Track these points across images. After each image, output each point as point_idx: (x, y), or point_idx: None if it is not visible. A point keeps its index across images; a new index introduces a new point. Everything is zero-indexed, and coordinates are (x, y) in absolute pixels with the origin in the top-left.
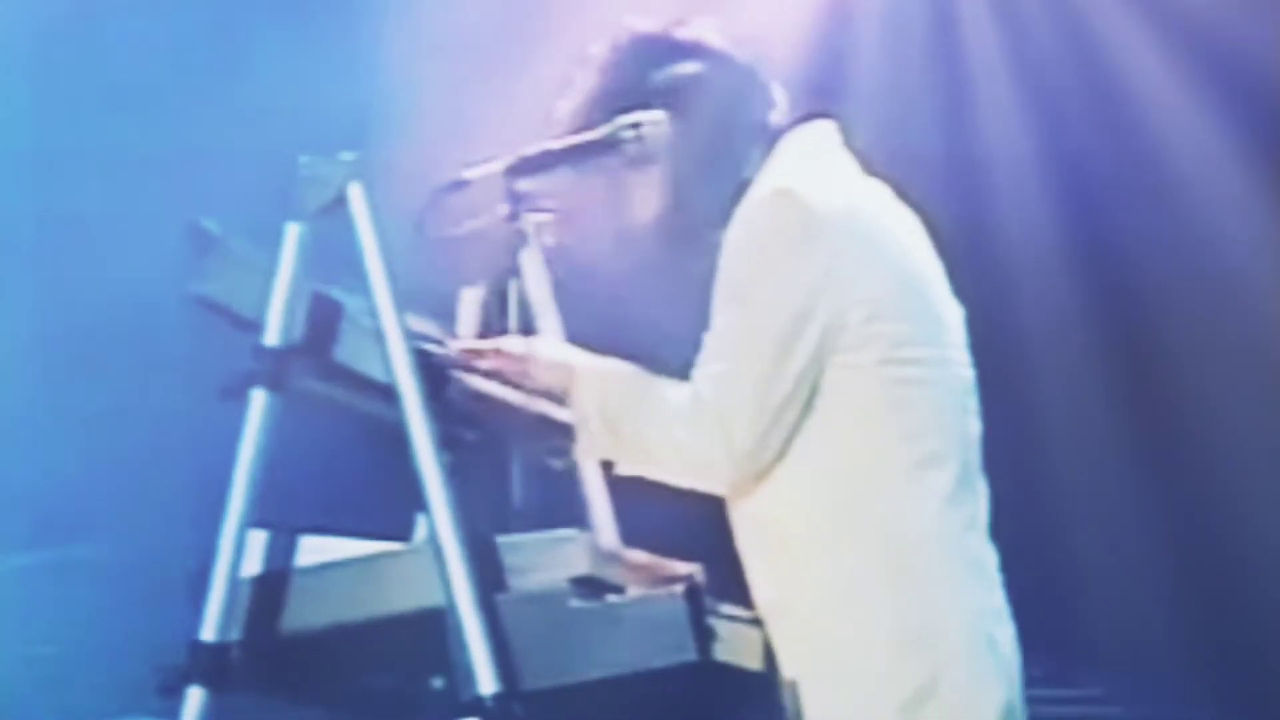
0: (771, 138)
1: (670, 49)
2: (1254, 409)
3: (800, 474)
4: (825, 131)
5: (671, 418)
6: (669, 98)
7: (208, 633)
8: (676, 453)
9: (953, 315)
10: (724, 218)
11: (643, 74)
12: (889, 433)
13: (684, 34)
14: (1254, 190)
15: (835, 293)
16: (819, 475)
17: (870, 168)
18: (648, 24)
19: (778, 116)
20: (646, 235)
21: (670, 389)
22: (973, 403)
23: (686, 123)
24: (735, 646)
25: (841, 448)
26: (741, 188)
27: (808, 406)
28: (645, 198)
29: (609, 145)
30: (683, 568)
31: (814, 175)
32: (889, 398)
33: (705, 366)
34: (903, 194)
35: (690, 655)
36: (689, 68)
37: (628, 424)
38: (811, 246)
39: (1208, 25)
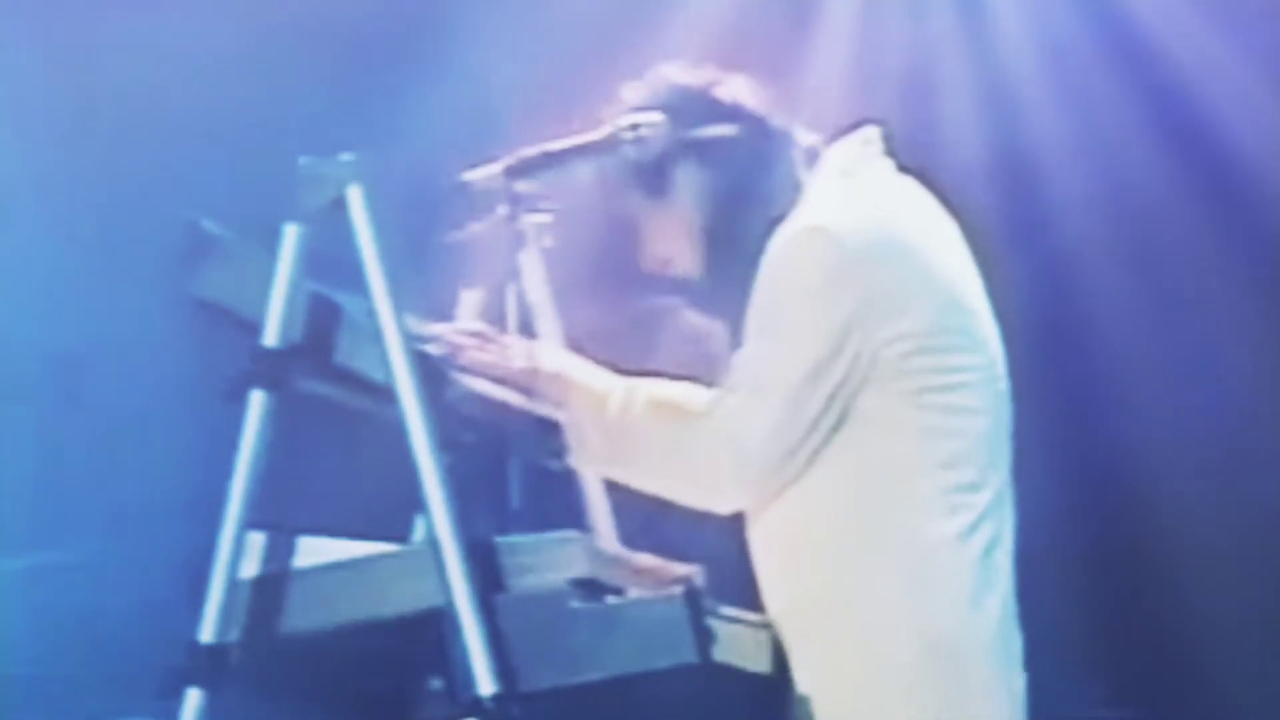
0: (812, 157)
1: (707, 107)
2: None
3: (826, 491)
4: (867, 142)
5: (681, 442)
6: (701, 154)
7: (206, 634)
8: (682, 475)
9: (991, 331)
10: (755, 255)
11: (677, 128)
12: (925, 460)
13: (722, 94)
14: None
15: (868, 330)
16: (845, 494)
17: (908, 169)
18: (686, 77)
19: (810, 165)
20: (676, 268)
21: (677, 410)
22: (1007, 416)
23: (715, 180)
24: (735, 648)
25: (871, 472)
26: (772, 224)
27: (837, 427)
28: (668, 235)
29: (608, 147)
30: (682, 569)
31: (850, 204)
32: (929, 425)
33: (727, 395)
34: (940, 194)
35: (690, 657)
36: (724, 129)
37: (629, 442)
38: (842, 287)
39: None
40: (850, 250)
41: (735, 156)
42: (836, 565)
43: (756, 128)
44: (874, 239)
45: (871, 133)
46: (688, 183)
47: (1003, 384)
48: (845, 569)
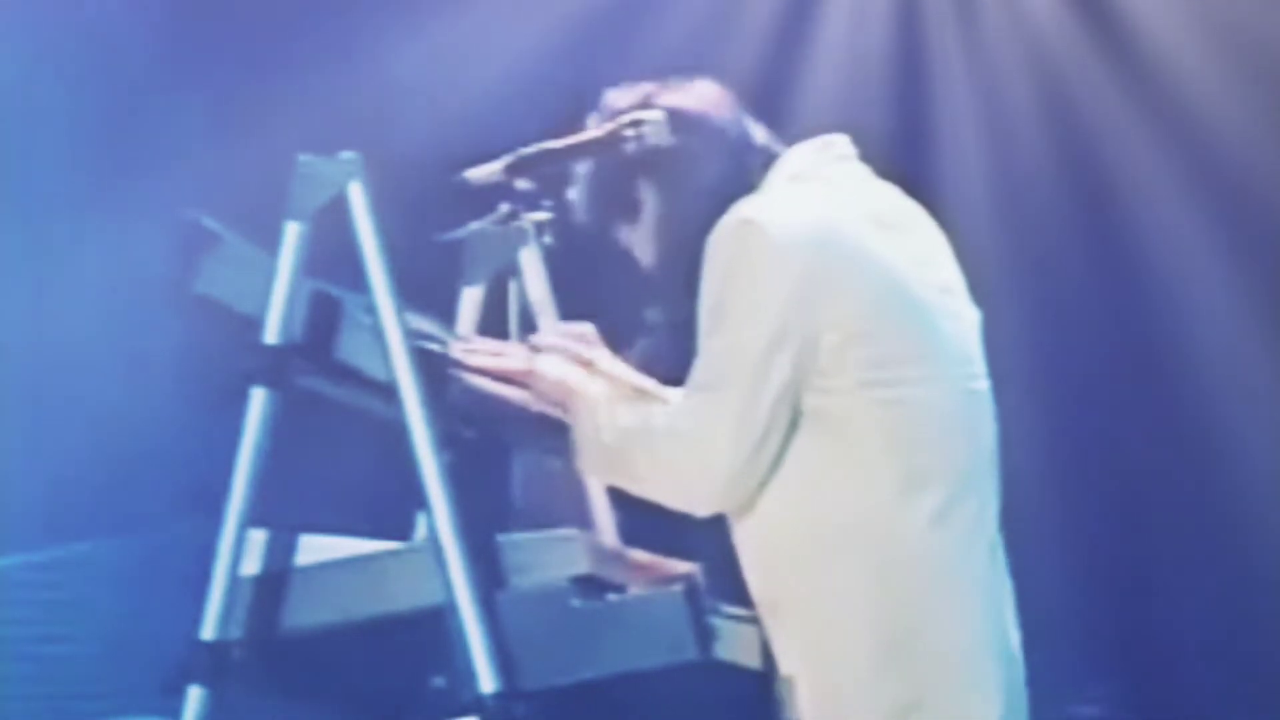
0: (767, 163)
1: (670, 120)
2: (1266, 415)
3: (788, 491)
4: (826, 146)
5: (656, 447)
6: (652, 169)
7: (208, 632)
8: (660, 479)
9: (954, 328)
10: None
11: (624, 150)
12: (874, 452)
13: (665, 102)
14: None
15: (805, 317)
16: (807, 493)
17: (887, 174)
18: (627, 97)
19: (768, 162)
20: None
21: (649, 418)
22: (979, 415)
23: (668, 191)
24: (735, 645)
25: (828, 467)
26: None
27: (794, 426)
28: (638, 238)
29: (609, 144)
30: (682, 567)
31: (786, 201)
32: (873, 418)
33: (685, 397)
34: (922, 198)
35: (690, 654)
36: (683, 143)
37: (619, 448)
38: (774, 274)
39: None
40: (775, 238)
41: (693, 169)
42: (802, 559)
43: (715, 139)
44: (800, 228)
45: (834, 138)
46: (649, 194)
47: (973, 383)
48: (810, 562)
